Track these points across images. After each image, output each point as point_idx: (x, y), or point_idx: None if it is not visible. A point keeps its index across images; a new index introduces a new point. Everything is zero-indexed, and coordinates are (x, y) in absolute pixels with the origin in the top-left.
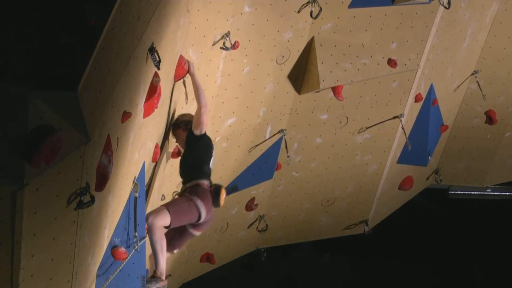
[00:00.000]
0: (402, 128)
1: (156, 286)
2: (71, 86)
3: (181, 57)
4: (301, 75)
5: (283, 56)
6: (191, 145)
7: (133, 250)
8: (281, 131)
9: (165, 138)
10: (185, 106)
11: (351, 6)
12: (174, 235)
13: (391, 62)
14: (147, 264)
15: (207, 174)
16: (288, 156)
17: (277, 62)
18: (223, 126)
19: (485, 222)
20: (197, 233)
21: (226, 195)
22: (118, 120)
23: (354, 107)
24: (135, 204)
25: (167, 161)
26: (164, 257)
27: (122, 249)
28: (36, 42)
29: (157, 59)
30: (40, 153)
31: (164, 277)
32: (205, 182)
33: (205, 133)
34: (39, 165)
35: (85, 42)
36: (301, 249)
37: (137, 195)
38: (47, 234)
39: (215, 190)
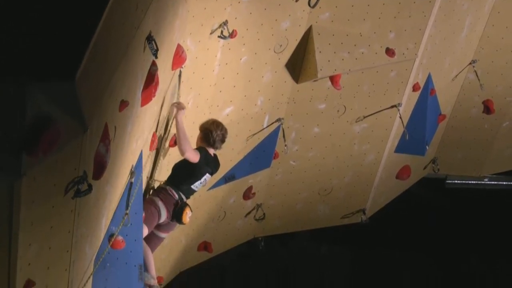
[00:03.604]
0: (400, 118)
1: (151, 279)
2: (69, 76)
3: (178, 46)
4: (299, 64)
5: (281, 45)
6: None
7: (121, 225)
8: (278, 120)
9: (163, 127)
10: (184, 95)
11: None
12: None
13: (389, 52)
14: None
15: (181, 189)
16: (285, 145)
17: (275, 51)
18: (220, 115)
19: (482, 212)
20: (162, 234)
21: (190, 213)
22: (115, 109)
23: (352, 96)
24: (130, 188)
25: (164, 150)
26: (152, 264)
27: (120, 238)
28: (33, 32)
29: (155, 48)
30: (37, 144)
31: (156, 280)
32: (174, 193)
33: (202, 159)
34: (37, 155)
35: (83, 31)
36: (298, 238)
37: (133, 181)
38: (44, 223)
39: (180, 205)
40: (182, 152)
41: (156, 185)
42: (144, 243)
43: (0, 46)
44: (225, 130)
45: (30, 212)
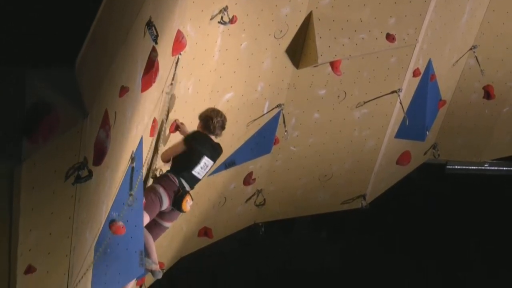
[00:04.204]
0: (400, 103)
1: (152, 265)
2: (68, 62)
3: (178, 31)
4: (299, 50)
5: (281, 31)
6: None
7: (125, 206)
8: (279, 106)
9: (164, 113)
10: (184, 81)
11: None
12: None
13: (390, 37)
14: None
15: (183, 176)
16: (286, 131)
17: (275, 37)
18: (221, 101)
19: (482, 197)
20: (166, 224)
21: (191, 202)
22: (116, 95)
23: (352, 82)
24: (131, 173)
25: (165, 137)
26: (154, 249)
27: (120, 224)
28: (33, 19)
29: (155, 33)
30: (37, 130)
31: (158, 266)
32: (175, 179)
33: (196, 142)
34: (37, 141)
35: (82, 17)
36: (298, 224)
37: (134, 166)
38: (45, 209)
39: (181, 193)
40: (164, 159)
41: (158, 174)
42: (145, 230)
43: (0, 33)
44: (224, 117)
45: (30, 198)
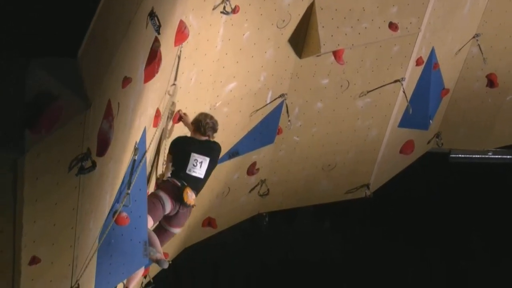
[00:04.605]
0: (403, 92)
1: (156, 254)
2: (71, 52)
3: (181, 22)
4: (301, 39)
5: (284, 20)
6: None
7: (121, 205)
8: (282, 95)
9: (167, 103)
10: (186, 72)
11: None
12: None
13: (392, 26)
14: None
15: (180, 177)
16: (289, 121)
17: (277, 27)
18: (224, 91)
19: (486, 186)
20: (174, 230)
21: (193, 195)
22: (118, 86)
23: (355, 71)
24: (132, 166)
25: (168, 126)
26: (158, 243)
27: (124, 214)
28: (35, 9)
29: (157, 24)
30: (40, 120)
31: (162, 255)
32: (176, 182)
33: (178, 144)
34: (40, 132)
35: (85, 8)
36: (301, 214)
37: (136, 159)
38: (48, 200)
39: (180, 188)
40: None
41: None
42: (151, 231)
43: (3, 24)
44: (215, 120)
45: (34, 189)
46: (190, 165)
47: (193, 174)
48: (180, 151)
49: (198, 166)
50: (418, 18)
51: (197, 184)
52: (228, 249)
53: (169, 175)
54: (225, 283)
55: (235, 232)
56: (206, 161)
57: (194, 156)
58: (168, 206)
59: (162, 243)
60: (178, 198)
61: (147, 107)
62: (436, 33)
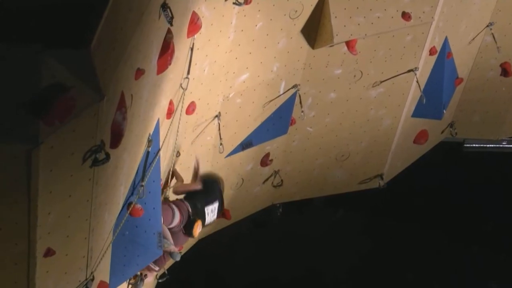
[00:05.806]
0: (417, 82)
1: (171, 246)
2: (84, 44)
3: (193, 13)
4: (314, 29)
5: (296, 11)
6: None
7: (137, 197)
8: (295, 86)
9: (180, 95)
10: (199, 63)
11: None
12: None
13: (405, 16)
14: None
15: (195, 206)
16: (302, 111)
17: (290, 17)
18: (236, 82)
19: (500, 175)
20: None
21: (202, 226)
22: (131, 77)
23: (368, 61)
24: (146, 157)
25: (181, 118)
26: (170, 236)
27: (138, 206)
28: (48, 1)
29: (170, 15)
30: (53, 111)
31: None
32: (188, 204)
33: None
34: (53, 123)
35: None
36: (313, 205)
37: (150, 150)
38: (63, 192)
39: (192, 219)
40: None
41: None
42: (165, 227)
43: (16, 15)
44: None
45: (48, 180)
46: (211, 207)
47: (206, 215)
48: (212, 190)
49: (212, 213)
50: (431, 7)
51: (205, 222)
52: (240, 239)
53: (184, 198)
54: (237, 274)
55: (248, 223)
56: (215, 211)
57: (216, 205)
58: (176, 220)
59: (159, 265)
60: (186, 225)
61: (160, 99)
62: (449, 22)
